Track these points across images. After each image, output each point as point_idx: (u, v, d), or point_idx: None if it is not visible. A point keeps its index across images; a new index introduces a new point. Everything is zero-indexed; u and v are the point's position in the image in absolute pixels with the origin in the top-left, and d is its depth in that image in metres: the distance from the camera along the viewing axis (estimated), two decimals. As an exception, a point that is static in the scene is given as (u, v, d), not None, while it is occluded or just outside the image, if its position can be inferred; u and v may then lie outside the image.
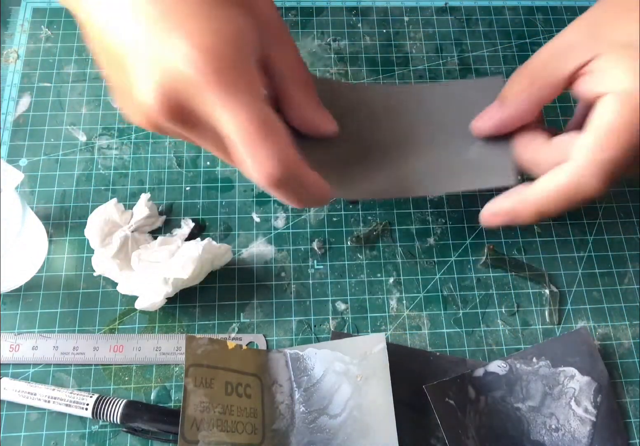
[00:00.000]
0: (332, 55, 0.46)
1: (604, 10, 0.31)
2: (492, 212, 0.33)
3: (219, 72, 0.24)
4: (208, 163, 0.42)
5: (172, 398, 0.35)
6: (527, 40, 0.41)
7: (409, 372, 0.35)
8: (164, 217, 0.39)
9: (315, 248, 0.39)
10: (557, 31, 0.32)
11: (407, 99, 0.37)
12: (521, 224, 0.35)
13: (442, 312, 0.38)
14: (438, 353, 0.36)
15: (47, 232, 0.39)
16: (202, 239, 0.36)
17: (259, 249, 0.39)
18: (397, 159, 0.36)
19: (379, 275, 0.39)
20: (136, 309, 0.36)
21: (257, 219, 0.40)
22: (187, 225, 0.39)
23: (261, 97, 0.26)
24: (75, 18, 0.28)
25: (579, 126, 0.31)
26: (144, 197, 0.39)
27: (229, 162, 0.29)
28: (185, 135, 0.27)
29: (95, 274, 0.37)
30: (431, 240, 0.40)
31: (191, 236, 0.39)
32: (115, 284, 0.37)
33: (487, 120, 0.33)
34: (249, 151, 0.26)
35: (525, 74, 0.32)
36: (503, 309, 0.38)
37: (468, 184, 0.35)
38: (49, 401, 0.33)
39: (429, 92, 0.37)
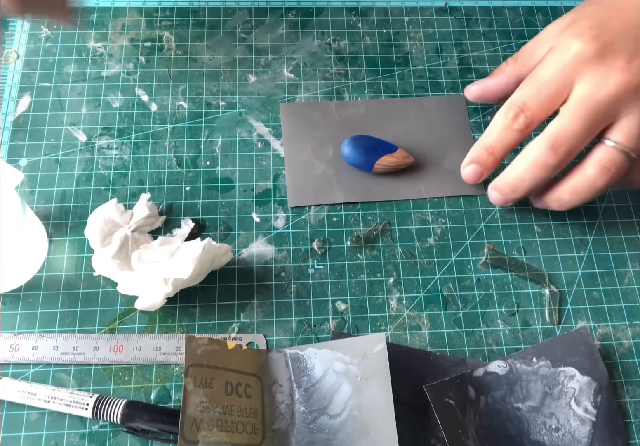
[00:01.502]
0: (332, 55, 0.46)
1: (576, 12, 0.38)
2: (490, 187, 0.39)
3: None
4: (208, 163, 0.42)
5: (172, 398, 0.35)
6: (527, 41, 0.42)
7: (409, 372, 0.35)
8: (164, 217, 0.39)
9: (315, 248, 0.39)
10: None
11: (391, 111, 0.44)
12: (513, 200, 0.38)
13: (442, 312, 0.38)
14: (438, 353, 0.36)
15: (47, 232, 0.39)
16: (202, 239, 0.36)
17: (259, 249, 0.39)
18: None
19: (379, 275, 0.39)
20: (136, 309, 0.36)
21: (257, 219, 0.40)
22: (187, 225, 0.39)
23: None
24: None
25: None
26: (144, 197, 0.39)
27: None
28: None
29: (95, 274, 0.37)
30: (431, 240, 0.40)
31: (191, 236, 0.39)
32: (115, 284, 0.37)
33: (476, 83, 0.43)
34: None
35: (515, 57, 0.41)
36: (503, 309, 0.38)
37: (442, 192, 0.42)
38: (49, 401, 0.33)
39: (407, 106, 0.44)
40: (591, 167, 0.35)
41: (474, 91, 0.43)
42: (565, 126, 0.35)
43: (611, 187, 0.36)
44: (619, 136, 0.34)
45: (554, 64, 0.35)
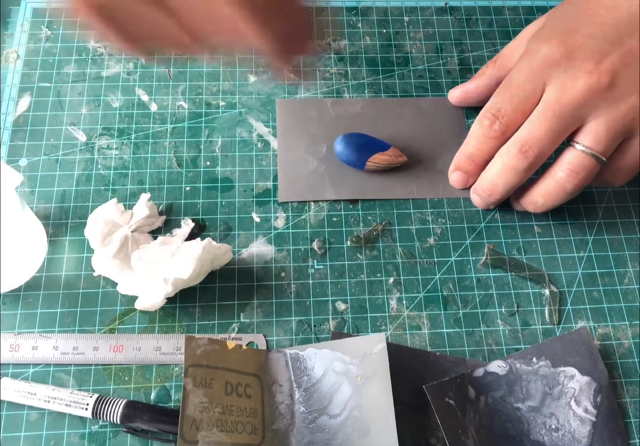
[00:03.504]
0: (332, 55, 0.46)
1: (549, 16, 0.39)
2: (471, 190, 0.40)
3: None
4: (208, 163, 0.42)
5: (172, 398, 0.35)
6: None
7: (409, 372, 0.35)
8: (164, 217, 0.39)
9: (315, 248, 0.39)
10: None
11: (387, 111, 0.44)
12: (492, 203, 0.39)
13: (442, 312, 0.38)
14: (438, 353, 0.36)
15: (47, 232, 0.39)
16: (202, 239, 0.36)
17: (259, 249, 0.39)
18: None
19: (379, 275, 0.39)
20: (136, 309, 0.36)
21: (257, 219, 0.40)
22: (187, 225, 0.39)
23: None
24: None
25: None
26: (144, 197, 0.39)
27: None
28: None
29: (95, 274, 0.37)
30: (431, 240, 0.40)
31: (191, 236, 0.39)
32: (115, 284, 0.37)
33: (458, 88, 0.44)
34: None
35: (495, 60, 0.42)
36: (503, 309, 0.38)
37: (433, 193, 0.42)
38: (49, 401, 0.33)
39: (403, 106, 0.44)
40: (561, 171, 0.35)
41: (456, 95, 0.43)
42: (533, 130, 0.35)
43: (587, 186, 0.37)
44: (587, 139, 0.34)
45: (525, 69, 0.35)
